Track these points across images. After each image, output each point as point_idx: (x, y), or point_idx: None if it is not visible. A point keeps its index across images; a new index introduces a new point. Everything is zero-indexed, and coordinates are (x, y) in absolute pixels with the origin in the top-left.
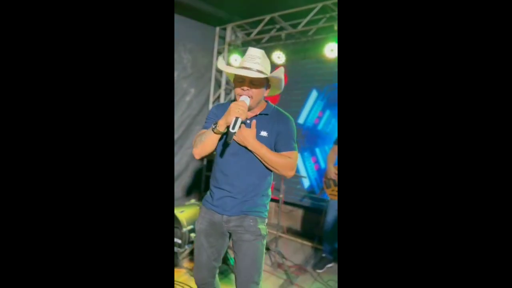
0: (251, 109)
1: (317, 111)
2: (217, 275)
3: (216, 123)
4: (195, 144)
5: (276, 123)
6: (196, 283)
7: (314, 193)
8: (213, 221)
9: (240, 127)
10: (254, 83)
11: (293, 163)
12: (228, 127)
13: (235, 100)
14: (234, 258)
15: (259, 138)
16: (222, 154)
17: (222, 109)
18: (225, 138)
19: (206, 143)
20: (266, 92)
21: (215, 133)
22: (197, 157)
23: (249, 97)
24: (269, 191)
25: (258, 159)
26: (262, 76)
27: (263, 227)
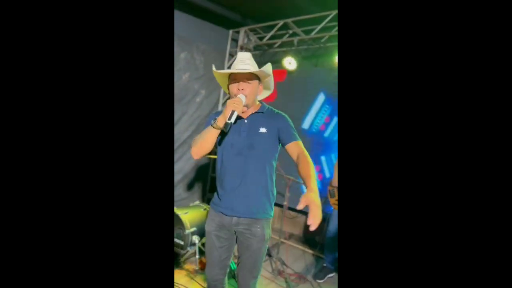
0: (248, 107)
1: (323, 116)
2: (227, 274)
3: (215, 119)
4: (194, 143)
5: (272, 120)
6: (208, 280)
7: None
8: (222, 224)
9: (235, 121)
10: (247, 81)
11: (305, 154)
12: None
13: None
14: (238, 254)
15: (258, 134)
16: (225, 155)
17: (218, 113)
18: (227, 130)
19: (205, 139)
20: (260, 91)
21: (214, 128)
22: (195, 156)
23: (245, 95)
24: (275, 189)
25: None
26: (252, 70)
27: (268, 232)
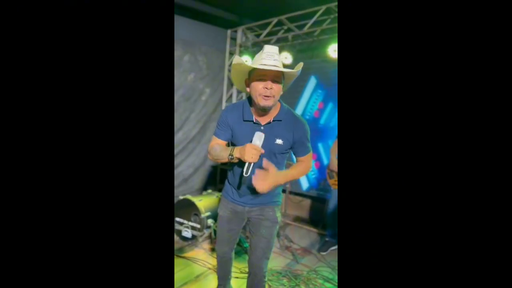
0: (269, 109)
1: (316, 102)
2: (233, 249)
3: (232, 152)
4: (211, 153)
5: (290, 131)
6: (218, 254)
7: (315, 189)
8: (235, 211)
9: (254, 171)
10: (275, 80)
11: (309, 166)
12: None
13: (249, 99)
14: (250, 238)
15: (274, 146)
16: None
17: (233, 112)
18: (241, 172)
19: (220, 159)
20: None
21: (230, 161)
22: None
23: (271, 96)
24: None
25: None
26: (290, 71)
27: (279, 215)
